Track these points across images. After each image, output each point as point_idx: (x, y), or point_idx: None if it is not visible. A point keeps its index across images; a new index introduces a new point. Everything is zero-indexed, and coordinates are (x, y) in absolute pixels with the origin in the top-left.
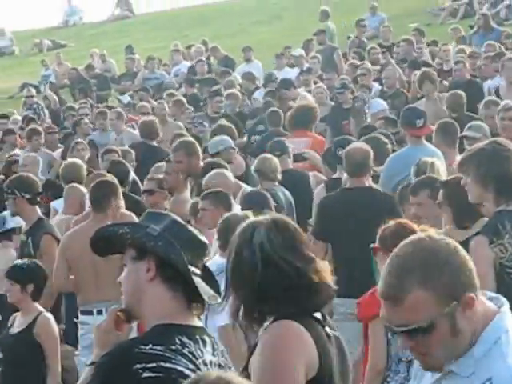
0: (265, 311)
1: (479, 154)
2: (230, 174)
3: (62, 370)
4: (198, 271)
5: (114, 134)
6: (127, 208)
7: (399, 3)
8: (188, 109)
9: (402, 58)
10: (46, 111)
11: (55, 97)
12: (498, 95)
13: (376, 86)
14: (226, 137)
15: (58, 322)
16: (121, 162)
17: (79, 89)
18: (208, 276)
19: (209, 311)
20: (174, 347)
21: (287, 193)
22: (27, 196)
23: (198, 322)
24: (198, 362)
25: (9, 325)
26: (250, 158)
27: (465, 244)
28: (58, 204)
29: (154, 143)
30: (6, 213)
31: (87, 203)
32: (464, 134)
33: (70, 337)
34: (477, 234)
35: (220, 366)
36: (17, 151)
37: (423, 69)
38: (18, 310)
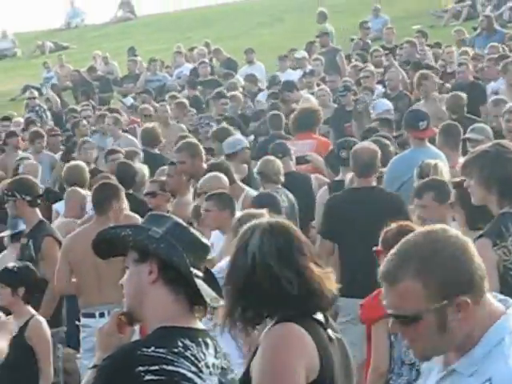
0: (262, 314)
1: (482, 156)
2: (225, 178)
3: (63, 373)
4: (200, 273)
5: (111, 139)
6: (132, 209)
7: (402, 5)
8: (190, 111)
9: (405, 60)
10: (49, 113)
11: (57, 98)
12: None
13: (379, 89)
14: (241, 136)
15: (59, 324)
16: (127, 163)
17: (81, 91)
18: (210, 278)
19: None
20: (176, 350)
21: (290, 195)
22: (28, 198)
23: (200, 325)
24: (200, 365)
25: None
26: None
27: None
28: (60, 206)
29: (156, 150)
30: None
31: (89, 206)
32: (467, 136)
33: (72, 340)
34: (480, 236)
35: (222, 368)
36: (25, 154)
37: (421, 70)
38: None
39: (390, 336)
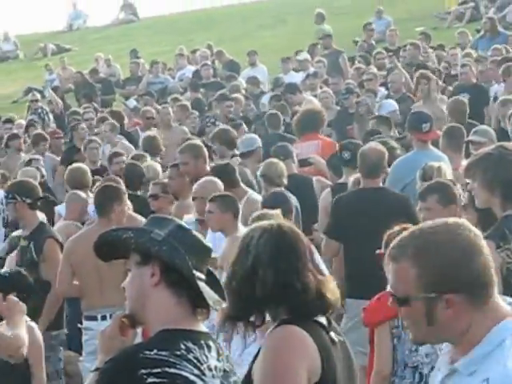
0: (264, 316)
1: (486, 158)
2: (220, 183)
3: (65, 376)
4: (202, 276)
5: (108, 146)
6: (138, 211)
7: (405, 7)
8: (193, 113)
9: (409, 63)
10: (51, 116)
11: (58, 100)
12: (495, 101)
13: (382, 91)
14: (255, 135)
15: (60, 327)
16: (136, 164)
17: (83, 93)
18: (213, 281)
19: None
20: (178, 352)
21: (293, 198)
22: (28, 201)
23: (202, 327)
24: (202, 368)
25: None
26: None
27: None
28: (62, 209)
29: (158, 159)
30: None
31: (91, 208)
32: (469, 138)
33: (74, 342)
34: (483, 238)
35: (225, 371)
36: (36, 155)
37: (420, 70)
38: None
39: (392, 339)
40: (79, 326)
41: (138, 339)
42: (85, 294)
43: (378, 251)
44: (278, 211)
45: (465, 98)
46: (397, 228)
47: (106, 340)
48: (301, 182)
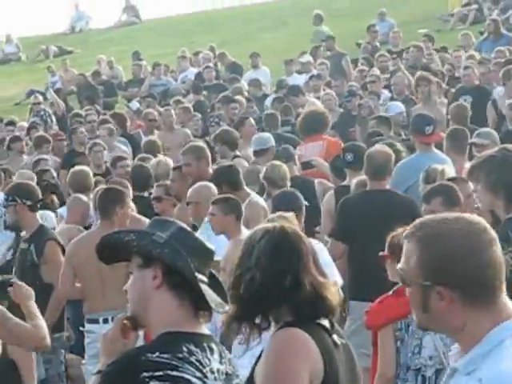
0: (268, 319)
1: (489, 161)
2: (214, 188)
3: (68, 379)
4: (205, 278)
5: (106, 152)
6: (142, 211)
7: (408, 9)
8: (195, 116)
9: (412, 65)
10: (54, 118)
11: (59, 101)
12: (495, 105)
13: (385, 93)
14: (269, 134)
15: (62, 329)
16: (142, 165)
17: (86, 95)
18: (215, 283)
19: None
20: (181, 355)
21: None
22: (28, 203)
23: (205, 330)
24: (205, 370)
25: None
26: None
27: None
28: (64, 211)
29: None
30: (41, 212)
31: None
32: (472, 140)
33: (77, 346)
34: None
35: (227, 374)
36: (45, 156)
37: (419, 72)
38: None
39: (395, 341)
40: (81, 328)
41: (140, 342)
42: (87, 297)
43: (381, 253)
44: (292, 214)
45: (467, 100)
46: (400, 230)
47: (108, 343)
48: (302, 185)
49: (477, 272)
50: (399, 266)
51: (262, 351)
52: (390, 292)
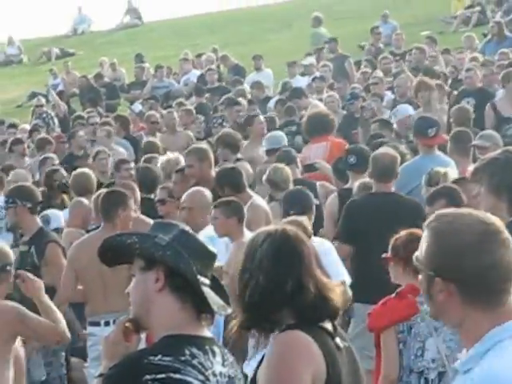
0: (275, 321)
1: (492, 163)
2: (208, 194)
3: (70, 382)
4: (207, 281)
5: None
6: (147, 213)
7: (411, 11)
8: (198, 118)
9: (414, 67)
10: (56, 120)
11: (60, 102)
12: (494, 108)
13: (389, 95)
14: (282, 133)
15: None
16: (149, 167)
17: (88, 98)
18: (217, 286)
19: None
20: (183, 358)
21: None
22: (28, 205)
23: (207, 333)
24: (207, 373)
25: None
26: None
27: None
28: (66, 214)
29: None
30: (48, 212)
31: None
32: (474, 142)
33: (78, 349)
34: None
35: (230, 377)
36: (51, 154)
37: (419, 77)
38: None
39: (398, 344)
40: (83, 331)
41: (142, 345)
42: (88, 300)
43: (384, 255)
44: (305, 218)
45: (470, 102)
46: (404, 233)
47: (110, 346)
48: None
49: (479, 272)
50: (416, 252)
51: (264, 354)
52: (393, 294)
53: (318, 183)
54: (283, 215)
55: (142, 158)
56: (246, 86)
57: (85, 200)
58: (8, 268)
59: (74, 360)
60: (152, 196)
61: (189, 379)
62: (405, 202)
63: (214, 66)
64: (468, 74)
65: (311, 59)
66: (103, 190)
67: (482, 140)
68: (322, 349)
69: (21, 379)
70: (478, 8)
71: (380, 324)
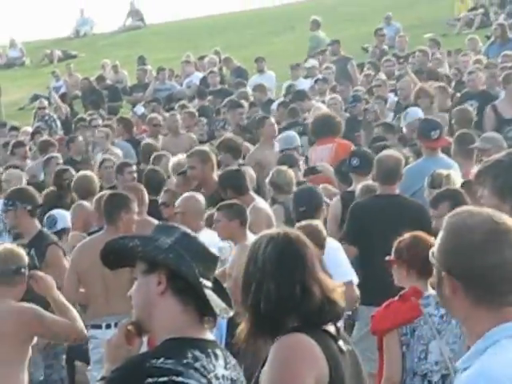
0: (280, 324)
1: (496, 165)
2: (202, 199)
3: None
4: (209, 284)
5: (100, 154)
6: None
7: (414, 14)
8: (201, 120)
9: (418, 69)
10: (59, 123)
11: (61, 104)
12: (495, 110)
13: (392, 97)
14: (295, 134)
15: None
16: (156, 170)
17: (91, 100)
18: (219, 289)
19: None
20: (185, 361)
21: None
22: (28, 208)
23: (210, 336)
24: (209, 376)
25: None
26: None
27: None
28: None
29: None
30: (54, 212)
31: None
32: (474, 145)
33: (81, 352)
34: None
35: (232, 380)
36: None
37: (419, 84)
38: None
39: (401, 346)
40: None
41: (144, 348)
42: (90, 302)
43: (387, 258)
44: (319, 221)
45: (473, 105)
46: (407, 235)
47: (113, 349)
48: None
49: (484, 271)
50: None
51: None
52: (396, 297)
53: (320, 186)
54: (293, 212)
55: (152, 156)
56: (249, 89)
57: (85, 203)
58: (23, 270)
59: (76, 363)
60: (158, 198)
61: (191, 382)
62: (409, 204)
63: (216, 69)
64: (470, 76)
65: (313, 61)
66: (106, 192)
67: (483, 142)
68: (325, 352)
69: None
70: (481, 10)
71: (383, 327)
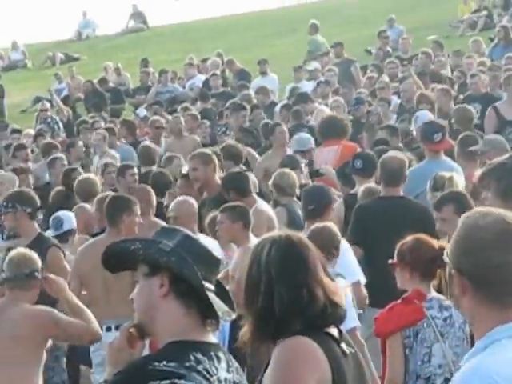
0: (282, 327)
1: (499, 168)
2: (195, 203)
3: None
4: (211, 287)
5: (97, 157)
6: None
7: (417, 16)
8: (204, 123)
9: (421, 71)
10: (61, 125)
11: (63, 106)
12: (496, 111)
13: (395, 99)
14: (309, 136)
15: None
16: (162, 172)
17: (93, 102)
18: (222, 291)
19: None
20: (188, 364)
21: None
22: (28, 210)
23: (212, 339)
24: (212, 379)
25: None
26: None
27: None
28: None
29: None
30: (60, 213)
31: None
32: (472, 148)
33: (84, 355)
34: None
35: (235, 383)
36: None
37: (419, 91)
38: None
39: (404, 349)
40: None
41: (146, 351)
42: (90, 305)
43: (390, 261)
44: (331, 223)
45: (476, 108)
46: (410, 238)
47: (115, 352)
48: None
49: (490, 271)
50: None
51: (269, 360)
52: (399, 299)
53: None
54: (302, 210)
55: (164, 157)
56: (251, 92)
57: (87, 205)
58: (36, 274)
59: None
60: (163, 200)
61: None
62: (413, 206)
63: (218, 71)
64: (473, 79)
65: (316, 64)
66: (107, 193)
67: (481, 144)
68: (328, 355)
69: None
70: (484, 12)
71: (386, 329)
